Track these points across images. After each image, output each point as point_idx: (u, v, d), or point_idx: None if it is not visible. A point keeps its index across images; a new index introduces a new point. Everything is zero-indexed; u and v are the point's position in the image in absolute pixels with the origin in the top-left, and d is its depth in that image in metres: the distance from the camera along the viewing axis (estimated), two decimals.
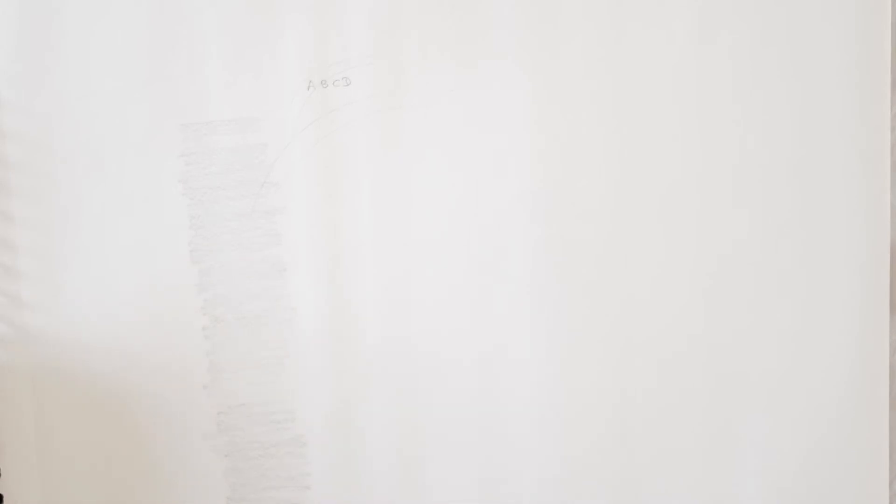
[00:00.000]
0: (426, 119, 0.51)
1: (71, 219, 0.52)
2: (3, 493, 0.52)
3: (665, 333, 0.52)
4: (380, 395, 0.52)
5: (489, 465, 0.52)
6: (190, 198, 0.52)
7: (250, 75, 0.51)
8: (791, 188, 0.52)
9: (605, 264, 0.52)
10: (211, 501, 0.53)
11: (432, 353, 0.52)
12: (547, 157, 0.52)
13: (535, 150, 0.51)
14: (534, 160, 0.51)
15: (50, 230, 0.52)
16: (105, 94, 0.51)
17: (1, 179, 0.51)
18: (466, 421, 0.52)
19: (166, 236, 0.52)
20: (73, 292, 0.52)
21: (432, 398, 0.50)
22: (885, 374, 0.52)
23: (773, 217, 0.52)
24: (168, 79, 0.51)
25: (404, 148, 0.52)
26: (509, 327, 0.52)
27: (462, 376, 0.52)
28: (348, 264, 0.52)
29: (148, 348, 0.52)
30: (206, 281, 0.52)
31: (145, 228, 0.52)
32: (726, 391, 0.52)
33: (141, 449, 0.52)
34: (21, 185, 0.51)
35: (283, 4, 0.51)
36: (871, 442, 0.52)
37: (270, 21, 0.51)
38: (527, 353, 0.52)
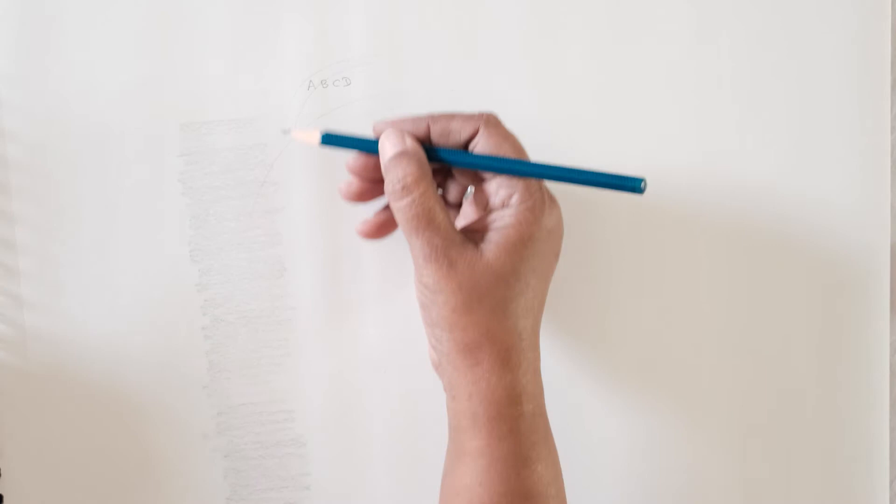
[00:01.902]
0: None
1: (71, 219, 0.52)
2: (3, 493, 0.52)
3: (664, 333, 0.52)
4: (380, 395, 0.52)
5: None
6: (190, 198, 0.52)
7: (250, 75, 0.51)
8: (791, 188, 0.52)
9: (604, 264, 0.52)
10: (211, 501, 0.53)
11: None
12: (547, 157, 0.51)
13: (534, 150, 0.51)
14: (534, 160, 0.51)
15: (50, 230, 0.52)
16: (105, 94, 0.51)
17: (1, 179, 0.51)
18: None
19: (166, 236, 0.52)
20: (73, 292, 0.52)
21: (432, 398, 0.50)
22: (886, 374, 0.52)
23: (773, 217, 0.52)
24: (168, 79, 0.51)
25: None
26: None
27: None
28: (348, 264, 0.52)
29: (148, 348, 0.52)
30: (206, 281, 0.52)
31: (145, 228, 0.52)
32: (726, 391, 0.53)
33: (140, 449, 0.52)
34: (21, 185, 0.51)
35: (283, 4, 0.51)
36: (871, 442, 0.52)
37: (270, 21, 0.51)
38: None
